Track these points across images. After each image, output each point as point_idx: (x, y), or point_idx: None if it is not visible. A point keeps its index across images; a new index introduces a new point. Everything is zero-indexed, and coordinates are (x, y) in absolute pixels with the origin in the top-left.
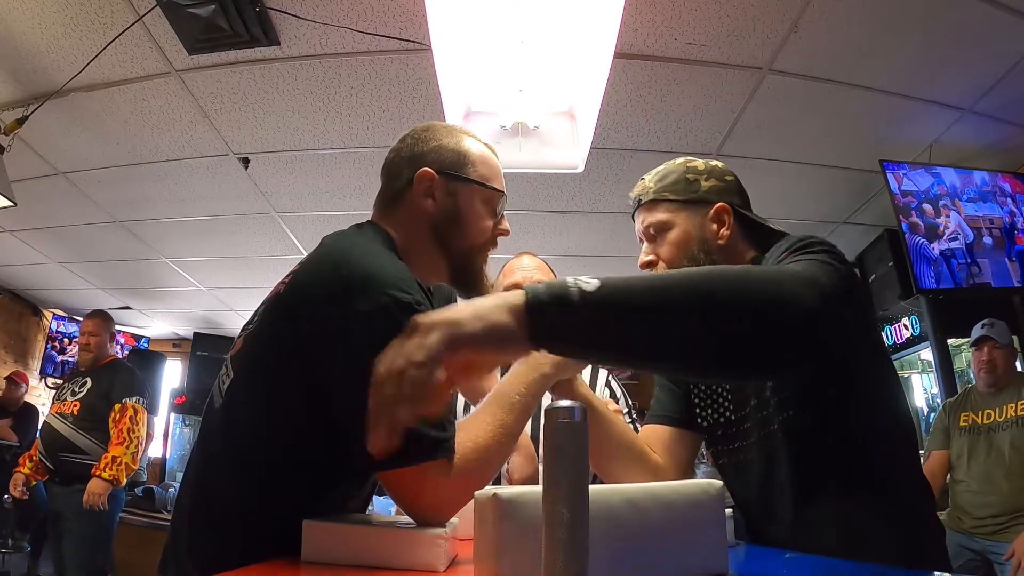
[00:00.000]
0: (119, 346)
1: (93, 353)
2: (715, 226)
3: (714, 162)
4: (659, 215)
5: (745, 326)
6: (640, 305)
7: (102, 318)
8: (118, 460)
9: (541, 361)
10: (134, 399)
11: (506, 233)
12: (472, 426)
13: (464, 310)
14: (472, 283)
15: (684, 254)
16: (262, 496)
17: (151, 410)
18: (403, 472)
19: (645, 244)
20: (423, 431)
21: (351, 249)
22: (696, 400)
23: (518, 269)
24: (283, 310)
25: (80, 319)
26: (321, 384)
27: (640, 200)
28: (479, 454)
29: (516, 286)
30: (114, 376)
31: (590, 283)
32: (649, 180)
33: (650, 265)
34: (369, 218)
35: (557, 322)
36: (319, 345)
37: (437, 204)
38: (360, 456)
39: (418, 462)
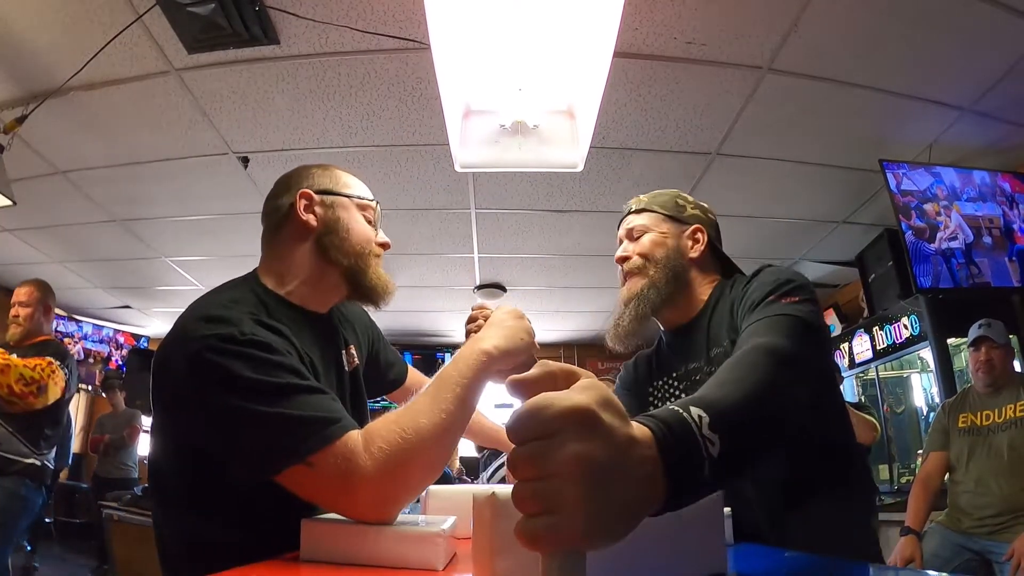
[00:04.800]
0: (118, 346)
1: (23, 327)
2: (690, 242)
3: (702, 203)
4: (645, 221)
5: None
6: (750, 449)
7: (36, 287)
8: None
9: (480, 339)
10: (57, 362)
11: (386, 246)
12: (405, 412)
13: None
14: (370, 290)
15: (657, 253)
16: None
17: (145, 411)
18: (299, 471)
19: (625, 243)
20: (304, 419)
21: (183, 319)
22: (652, 402)
23: None
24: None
25: (80, 318)
26: (188, 429)
27: (631, 208)
28: (409, 441)
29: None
30: (41, 352)
31: (714, 443)
32: (644, 196)
33: (624, 260)
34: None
35: (693, 496)
36: (175, 407)
37: (319, 218)
38: (244, 474)
39: (306, 455)
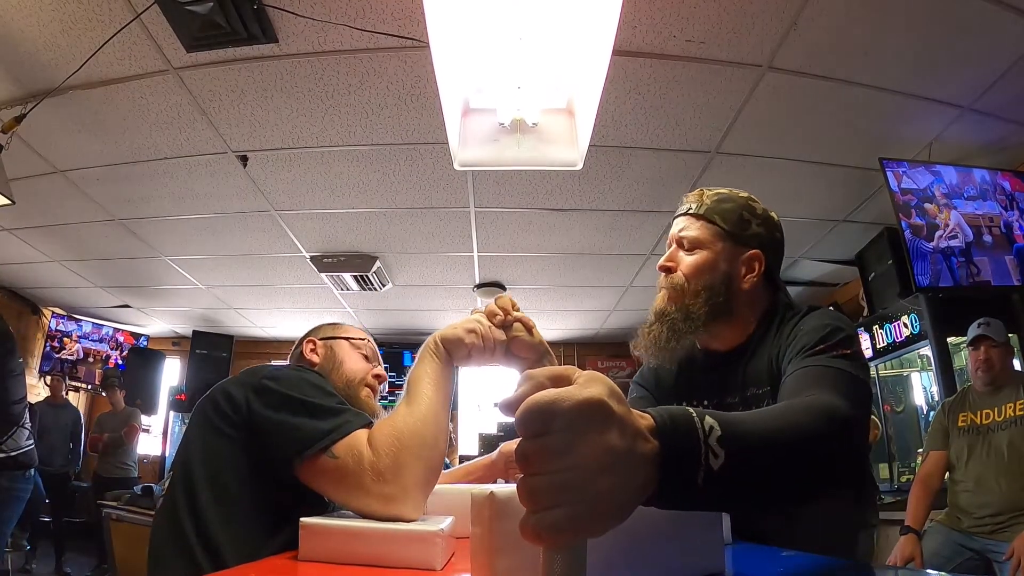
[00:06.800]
0: (117, 345)
1: None
2: (744, 269)
3: (772, 213)
4: (699, 234)
5: (821, 483)
6: (755, 480)
7: None
8: None
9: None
10: None
11: (381, 377)
12: (392, 414)
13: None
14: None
15: (704, 277)
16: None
17: (145, 410)
18: (324, 461)
19: (673, 248)
20: (336, 409)
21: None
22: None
23: None
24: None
25: (79, 317)
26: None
27: (690, 208)
28: (399, 428)
29: None
30: None
31: (718, 456)
32: (708, 196)
33: (667, 270)
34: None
35: (682, 498)
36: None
37: (319, 356)
38: (283, 453)
39: (331, 444)
